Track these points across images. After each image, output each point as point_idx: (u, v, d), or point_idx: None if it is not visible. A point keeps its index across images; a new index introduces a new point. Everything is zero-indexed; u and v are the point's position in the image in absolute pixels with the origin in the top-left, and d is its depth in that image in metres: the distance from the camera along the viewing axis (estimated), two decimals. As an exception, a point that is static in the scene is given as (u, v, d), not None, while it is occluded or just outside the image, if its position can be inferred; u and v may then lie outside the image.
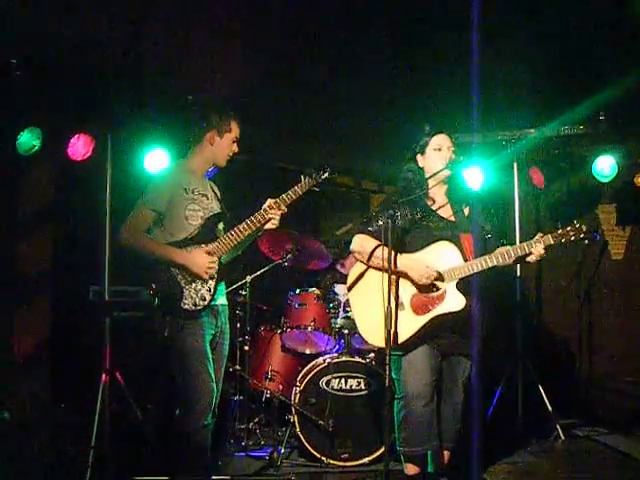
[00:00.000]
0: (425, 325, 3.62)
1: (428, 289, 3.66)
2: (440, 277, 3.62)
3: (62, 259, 5.40)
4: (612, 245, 6.31)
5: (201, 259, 3.60)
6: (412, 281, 3.67)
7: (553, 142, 5.81)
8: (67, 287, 5.38)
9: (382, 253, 3.61)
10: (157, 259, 3.60)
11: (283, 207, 3.72)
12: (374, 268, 3.78)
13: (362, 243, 3.80)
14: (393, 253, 3.55)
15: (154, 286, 3.60)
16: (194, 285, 3.62)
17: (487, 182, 5.66)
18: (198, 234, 3.67)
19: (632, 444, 5.17)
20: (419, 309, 3.65)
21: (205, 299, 3.62)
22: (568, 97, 5.16)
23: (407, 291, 3.67)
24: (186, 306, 3.58)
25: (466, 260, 3.64)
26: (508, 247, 3.64)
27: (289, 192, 3.74)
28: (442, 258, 3.65)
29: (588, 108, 5.21)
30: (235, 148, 3.86)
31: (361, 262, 3.85)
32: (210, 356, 3.63)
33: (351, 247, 3.86)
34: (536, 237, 3.61)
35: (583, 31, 4.66)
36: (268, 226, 3.76)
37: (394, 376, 3.72)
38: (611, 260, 6.33)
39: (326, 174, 3.76)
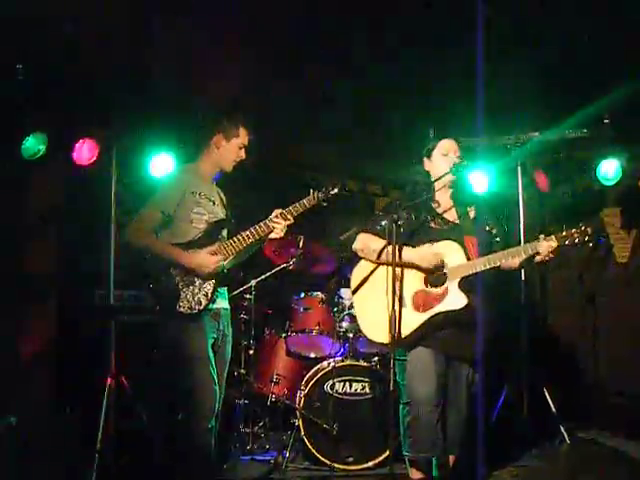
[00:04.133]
0: (426, 322, 3.63)
1: (433, 283, 3.66)
2: (443, 271, 3.63)
3: (67, 263, 5.42)
4: (617, 249, 6.28)
5: (205, 258, 3.61)
6: (418, 270, 3.68)
7: (557, 146, 5.79)
8: (72, 291, 5.40)
9: (386, 249, 3.62)
10: (161, 259, 3.60)
11: (290, 218, 3.71)
12: (377, 263, 3.79)
13: (364, 241, 3.83)
14: (397, 252, 3.55)
15: (151, 286, 3.61)
16: (191, 288, 3.60)
17: (492, 186, 5.65)
18: (201, 238, 3.67)
19: (637, 448, 5.16)
20: (420, 306, 3.66)
21: (201, 303, 3.60)
22: (572, 100, 5.15)
23: (409, 287, 3.67)
24: (181, 309, 3.57)
25: (469, 261, 3.64)
26: (513, 248, 3.63)
27: (297, 204, 3.73)
28: (446, 256, 3.66)
29: (592, 111, 5.20)
30: (242, 154, 3.83)
31: (364, 259, 3.86)
32: (212, 359, 3.62)
33: (354, 246, 3.88)
34: (541, 237, 3.59)
35: (587, 35, 4.66)
36: (272, 236, 3.74)
37: (400, 381, 3.73)
38: (616, 264, 6.31)
39: (336, 190, 3.76)
